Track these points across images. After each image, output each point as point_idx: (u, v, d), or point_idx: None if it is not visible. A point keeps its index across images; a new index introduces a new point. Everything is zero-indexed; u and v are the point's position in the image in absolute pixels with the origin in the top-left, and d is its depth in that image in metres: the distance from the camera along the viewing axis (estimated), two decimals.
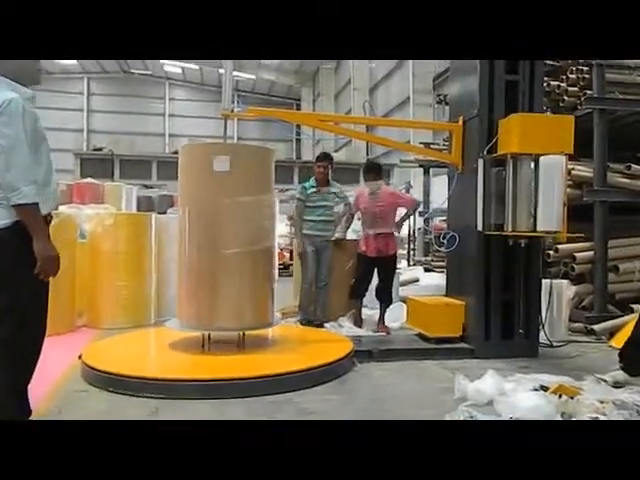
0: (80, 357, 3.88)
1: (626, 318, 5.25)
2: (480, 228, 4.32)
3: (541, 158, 4.10)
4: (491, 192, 4.30)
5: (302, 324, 5.50)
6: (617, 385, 3.43)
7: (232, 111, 4.57)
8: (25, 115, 2.16)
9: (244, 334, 4.14)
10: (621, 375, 3.55)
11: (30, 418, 2.44)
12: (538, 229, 4.13)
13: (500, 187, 4.27)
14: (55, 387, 3.58)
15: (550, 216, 4.08)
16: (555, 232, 4.16)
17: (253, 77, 29.36)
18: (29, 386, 2.43)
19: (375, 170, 5.51)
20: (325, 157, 5.68)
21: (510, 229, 4.20)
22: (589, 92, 5.65)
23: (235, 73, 6.37)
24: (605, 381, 3.49)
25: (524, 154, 4.14)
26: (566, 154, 4.09)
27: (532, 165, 4.15)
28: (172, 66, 29.91)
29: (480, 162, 4.34)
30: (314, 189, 5.50)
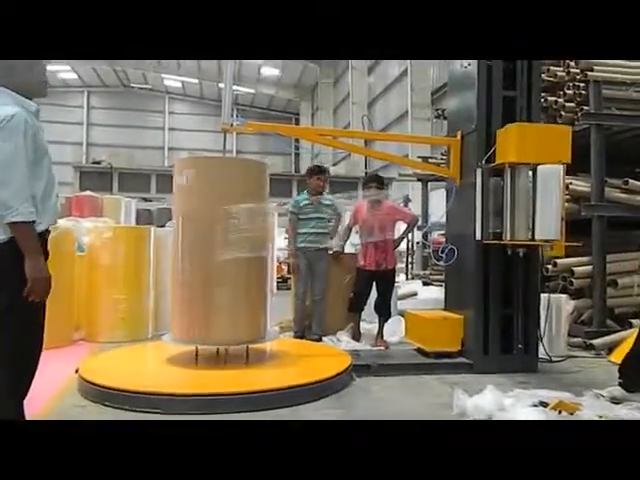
0: (77, 371, 3.86)
1: (625, 333, 5.25)
2: (479, 237, 4.33)
3: (539, 167, 4.12)
4: (489, 201, 4.32)
5: (296, 338, 5.48)
6: (615, 401, 3.41)
7: (231, 125, 4.57)
8: (27, 131, 2.14)
9: (247, 348, 4.12)
10: (618, 391, 3.53)
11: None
12: (536, 238, 4.15)
13: (498, 196, 4.29)
14: (51, 402, 3.55)
15: (548, 225, 4.09)
16: (553, 241, 4.17)
17: (252, 91, 29.58)
18: (25, 401, 2.40)
19: (377, 181, 5.55)
20: (321, 170, 5.79)
21: (508, 238, 4.22)
22: (586, 108, 5.70)
23: (234, 87, 6.39)
24: (603, 397, 3.47)
25: (522, 163, 4.17)
26: (563, 163, 4.12)
27: (530, 174, 4.18)
28: (172, 80, 30.13)
29: (478, 171, 4.37)
30: (307, 202, 5.55)
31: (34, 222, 2.15)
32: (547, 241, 4.19)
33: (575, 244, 4.59)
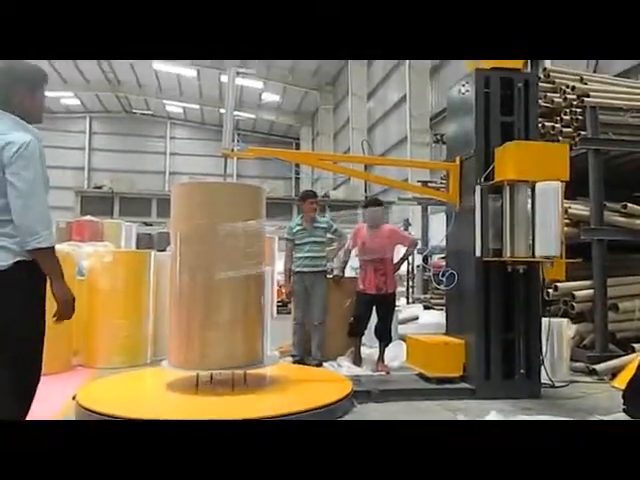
0: (74, 398, 3.81)
1: (628, 358, 5.20)
2: (478, 253, 4.33)
3: (537, 184, 4.14)
4: (489, 219, 4.34)
5: (296, 363, 5.44)
6: None
7: (232, 150, 4.60)
8: (41, 158, 2.17)
9: (233, 374, 4.07)
10: (622, 417, 3.48)
11: None
12: (536, 254, 4.15)
13: (497, 213, 4.31)
14: None
15: (548, 242, 4.10)
16: (553, 257, 4.17)
17: (253, 117, 29.91)
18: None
19: (376, 205, 5.61)
20: (315, 194, 5.92)
21: (508, 254, 4.22)
22: (583, 133, 5.76)
23: (235, 113, 6.48)
24: None
25: (520, 181, 4.20)
26: (562, 181, 4.14)
27: (529, 191, 4.20)
28: (173, 106, 30.51)
29: (477, 190, 4.40)
30: (299, 227, 5.60)
31: (54, 247, 2.19)
32: (547, 257, 4.19)
33: (575, 260, 4.59)
